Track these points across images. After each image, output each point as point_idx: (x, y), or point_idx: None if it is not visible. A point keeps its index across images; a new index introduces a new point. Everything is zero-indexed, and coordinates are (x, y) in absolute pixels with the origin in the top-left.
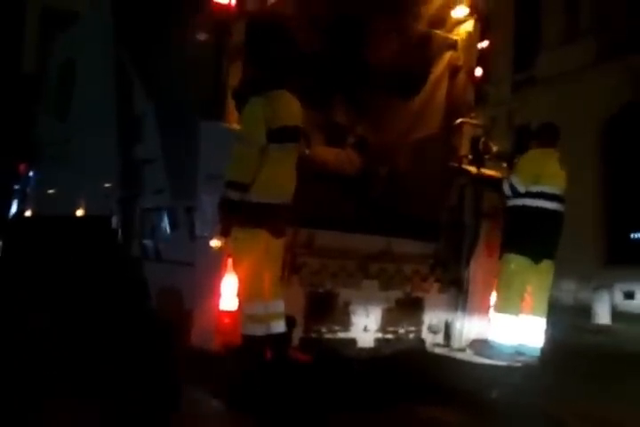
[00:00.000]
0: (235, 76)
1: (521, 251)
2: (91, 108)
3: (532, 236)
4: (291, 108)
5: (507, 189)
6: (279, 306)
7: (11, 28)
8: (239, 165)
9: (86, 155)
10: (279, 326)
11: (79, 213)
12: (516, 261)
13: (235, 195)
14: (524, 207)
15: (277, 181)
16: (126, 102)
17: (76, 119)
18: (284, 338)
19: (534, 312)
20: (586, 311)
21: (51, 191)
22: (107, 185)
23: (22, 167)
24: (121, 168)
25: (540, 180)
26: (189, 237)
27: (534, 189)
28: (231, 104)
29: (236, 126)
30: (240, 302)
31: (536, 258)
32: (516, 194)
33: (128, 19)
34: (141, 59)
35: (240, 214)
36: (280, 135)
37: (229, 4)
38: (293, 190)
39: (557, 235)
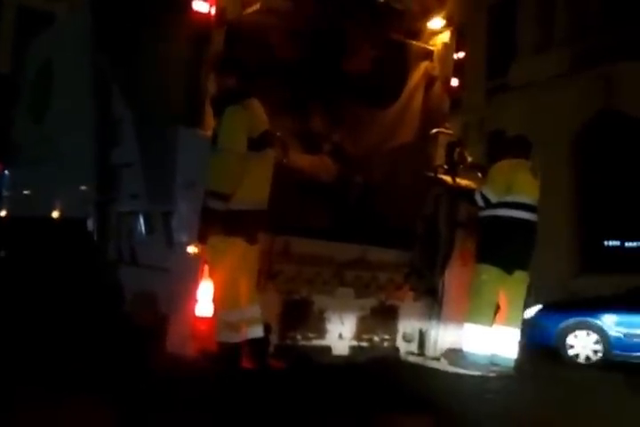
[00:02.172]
0: (213, 84)
1: (493, 261)
2: (68, 110)
3: (504, 246)
4: (263, 115)
5: (479, 200)
6: (256, 311)
7: None
8: (222, 176)
9: (63, 157)
10: (257, 331)
11: (54, 215)
12: (488, 272)
13: (218, 205)
14: (496, 217)
15: (256, 188)
16: (104, 106)
17: (52, 121)
18: (262, 344)
19: (508, 323)
20: None
21: (26, 192)
22: (83, 188)
23: None
24: (98, 172)
25: (512, 190)
26: (166, 242)
27: (506, 199)
28: (209, 112)
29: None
30: (216, 308)
31: (508, 268)
32: (488, 204)
33: (107, 23)
34: (120, 64)
35: (220, 223)
36: (259, 142)
37: (209, 13)
38: (268, 196)
39: (530, 245)
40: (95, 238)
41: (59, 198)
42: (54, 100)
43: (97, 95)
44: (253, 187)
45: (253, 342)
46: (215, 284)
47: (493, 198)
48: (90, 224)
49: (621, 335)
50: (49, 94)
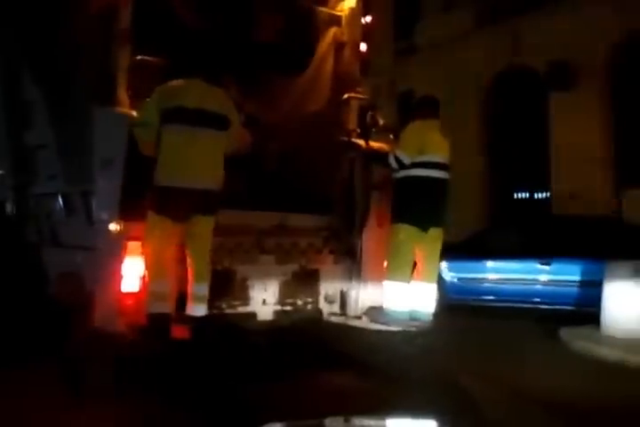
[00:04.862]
0: (124, 59)
1: (408, 220)
2: None
3: (418, 205)
4: (193, 92)
5: (392, 162)
6: (203, 290)
7: None
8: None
9: None
10: (200, 310)
11: None
12: (405, 231)
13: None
14: (410, 178)
15: (177, 164)
16: (14, 88)
17: None
18: (202, 322)
19: (425, 279)
20: None
21: None
22: None
23: None
24: (13, 154)
25: (424, 150)
26: (87, 221)
27: (418, 159)
28: (123, 89)
29: (126, 110)
30: (146, 281)
31: (423, 226)
32: (402, 166)
33: (10, 5)
34: (28, 43)
35: (150, 198)
36: (175, 116)
37: None
38: (210, 175)
39: (443, 202)
40: (14, 221)
41: None
42: None
43: (5, 76)
44: (172, 163)
45: (193, 318)
46: (145, 257)
47: (406, 160)
48: (8, 207)
49: (456, 280)
50: None
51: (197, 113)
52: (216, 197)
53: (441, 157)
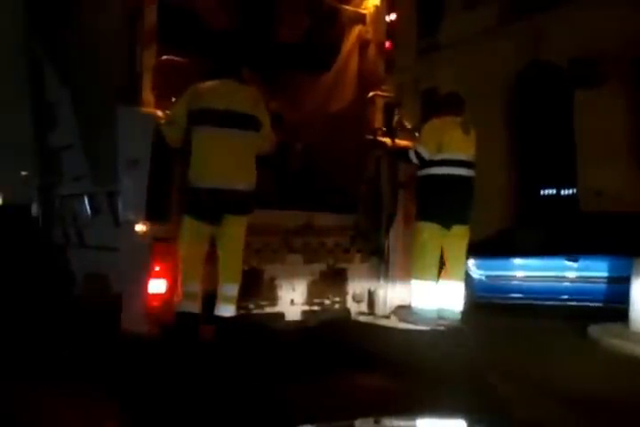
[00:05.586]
0: (150, 59)
1: (431, 218)
2: (1, 96)
3: (440, 203)
4: (222, 93)
5: (413, 158)
6: (230, 290)
7: None
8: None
9: (1, 144)
10: (227, 310)
11: None
12: (428, 229)
13: None
14: (431, 176)
15: (206, 165)
16: (39, 89)
17: None
18: (229, 322)
19: (452, 277)
20: None
21: None
22: (24, 173)
23: None
24: (38, 155)
25: (443, 147)
26: (113, 222)
27: (438, 157)
28: (148, 88)
29: (152, 110)
30: (179, 281)
31: (447, 224)
32: (423, 162)
33: (38, 4)
34: (53, 44)
35: (183, 199)
36: (203, 117)
37: None
38: (240, 175)
39: (468, 200)
40: (40, 223)
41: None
42: None
43: (30, 78)
44: (201, 163)
45: (220, 319)
46: (178, 257)
47: (426, 155)
48: (34, 209)
49: (483, 278)
50: None
51: (226, 114)
52: (248, 198)
53: (463, 154)
